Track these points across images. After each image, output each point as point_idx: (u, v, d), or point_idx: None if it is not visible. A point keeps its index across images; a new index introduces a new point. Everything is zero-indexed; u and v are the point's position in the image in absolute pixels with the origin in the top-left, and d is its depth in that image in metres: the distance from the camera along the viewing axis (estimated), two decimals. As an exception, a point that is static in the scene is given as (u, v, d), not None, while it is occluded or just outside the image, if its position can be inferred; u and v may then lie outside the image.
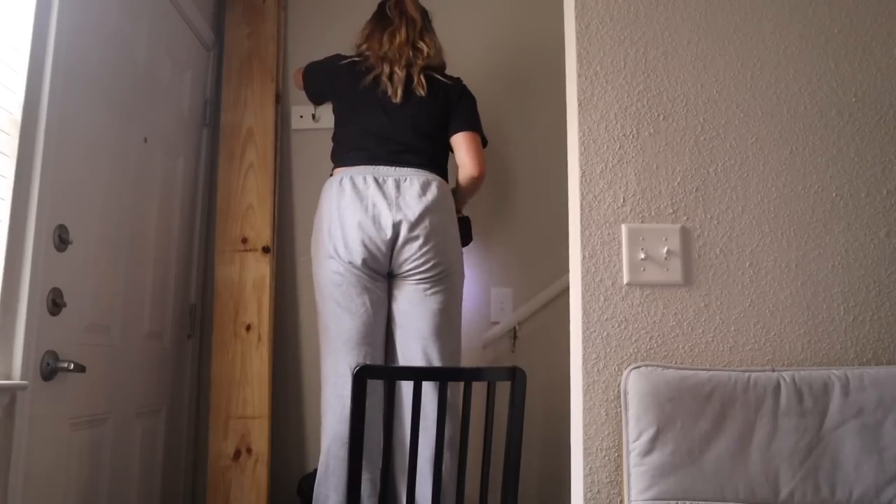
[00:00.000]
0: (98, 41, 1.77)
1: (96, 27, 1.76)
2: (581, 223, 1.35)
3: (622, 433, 1.25)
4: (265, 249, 2.44)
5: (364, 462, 1.71)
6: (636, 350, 1.32)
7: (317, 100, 2.37)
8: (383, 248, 1.99)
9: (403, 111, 2.10)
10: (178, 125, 2.35)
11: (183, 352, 2.40)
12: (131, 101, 1.98)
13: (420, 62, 2.15)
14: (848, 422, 1.21)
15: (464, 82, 2.25)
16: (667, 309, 1.33)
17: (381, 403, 1.92)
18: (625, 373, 1.27)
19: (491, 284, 2.58)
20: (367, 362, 1.99)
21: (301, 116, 2.63)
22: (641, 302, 1.33)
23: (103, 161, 1.81)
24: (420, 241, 1.98)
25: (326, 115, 2.33)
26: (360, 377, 1.51)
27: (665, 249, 1.34)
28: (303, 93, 2.38)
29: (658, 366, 1.26)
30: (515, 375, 1.62)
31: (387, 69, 2.13)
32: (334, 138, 2.20)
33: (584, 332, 1.32)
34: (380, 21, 2.24)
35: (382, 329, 2.07)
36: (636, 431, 1.22)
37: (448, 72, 2.27)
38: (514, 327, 2.50)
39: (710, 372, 1.25)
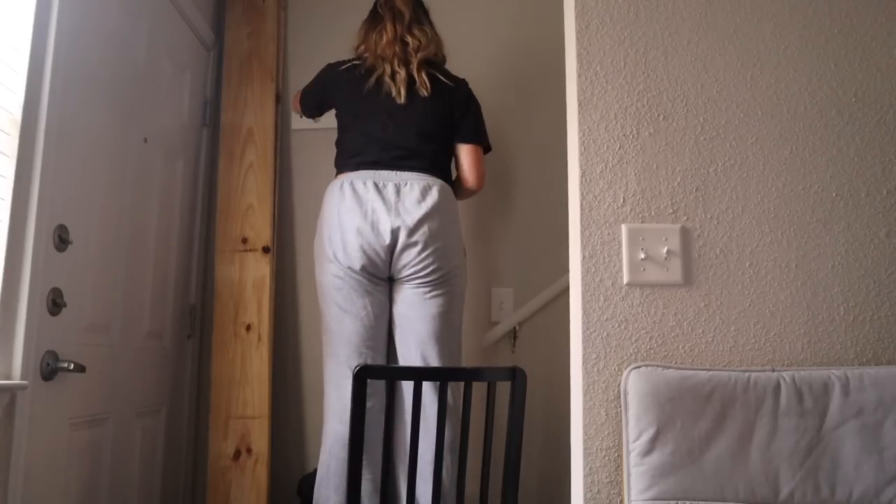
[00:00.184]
0: (98, 41, 1.77)
1: (96, 27, 1.76)
2: (581, 223, 1.35)
3: (622, 433, 1.25)
4: (265, 249, 2.44)
5: (365, 462, 1.71)
6: (636, 350, 1.32)
7: (319, 111, 2.33)
8: (382, 253, 1.98)
9: (407, 113, 2.08)
10: (178, 125, 2.35)
11: (183, 352, 2.40)
12: (131, 101, 1.98)
13: (414, 58, 2.11)
14: (848, 422, 1.21)
15: (469, 85, 2.22)
16: (667, 309, 1.33)
17: (381, 404, 1.92)
18: (625, 373, 1.27)
19: (491, 284, 2.58)
20: (366, 363, 1.99)
21: (301, 116, 2.63)
22: (641, 302, 1.33)
23: (103, 161, 1.81)
24: (419, 247, 1.97)
25: (327, 115, 2.33)
26: (361, 377, 1.51)
27: (665, 249, 1.34)
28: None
29: (658, 366, 1.26)
30: (515, 375, 1.62)
31: (388, 69, 2.10)
32: (337, 144, 2.18)
33: (584, 332, 1.32)
34: (372, 20, 2.22)
35: (385, 332, 2.07)
36: (636, 431, 1.22)
37: (452, 72, 2.26)
38: (514, 327, 2.50)
39: (710, 372, 1.25)
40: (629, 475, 1.22)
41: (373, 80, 2.10)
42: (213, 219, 2.50)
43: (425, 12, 2.25)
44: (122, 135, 1.92)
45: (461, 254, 2.11)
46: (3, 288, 1.40)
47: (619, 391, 1.29)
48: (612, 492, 1.28)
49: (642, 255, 1.33)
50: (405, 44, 2.13)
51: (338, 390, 2.00)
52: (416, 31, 2.15)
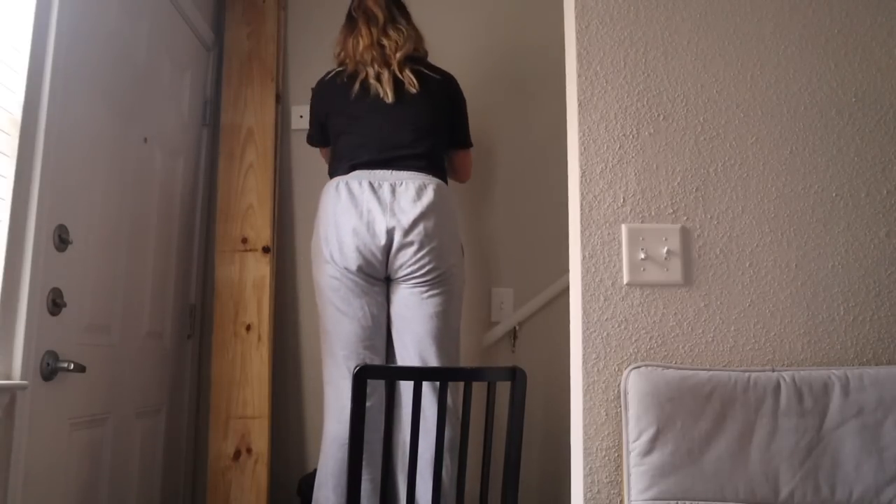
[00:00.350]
0: (98, 41, 1.78)
1: (96, 27, 1.76)
2: (581, 223, 1.35)
3: (622, 433, 1.25)
4: (265, 249, 2.44)
5: (364, 462, 1.71)
6: (636, 350, 1.32)
7: (325, 134, 2.23)
8: (378, 254, 1.98)
9: (400, 111, 2.07)
10: (178, 125, 2.35)
11: (183, 352, 2.40)
12: (131, 101, 1.98)
13: (394, 59, 2.09)
14: (848, 422, 1.21)
15: (455, 80, 2.21)
16: (667, 309, 1.33)
17: (380, 405, 1.92)
18: (625, 373, 1.27)
19: (491, 284, 2.58)
20: (365, 364, 1.99)
21: (301, 116, 2.63)
22: (641, 302, 1.33)
23: (103, 161, 1.81)
24: (415, 247, 1.96)
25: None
26: (360, 377, 1.51)
27: (665, 249, 1.34)
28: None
29: (658, 366, 1.26)
30: (515, 375, 1.62)
31: (370, 72, 2.09)
32: (332, 150, 2.17)
33: (584, 332, 1.32)
34: (348, 25, 2.21)
35: (383, 333, 2.07)
36: (636, 431, 1.22)
37: (452, 72, 2.26)
38: (514, 327, 2.50)
39: (710, 372, 1.25)
40: (629, 475, 1.22)
41: (357, 85, 2.09)
42: (213, 219, 2.50)
43: (401, 9, 2.22)
44: (122, 135, 1.92)
45: (458, 253, 2.11)
46: (3, 288, 1.40)
47: (619, 391, 1.29)
48: (612, 492, 1.28)
49: (642, 255, 1.33)
50: (382, 46, 2.11)
51: (336, 391, 2.00)
52: (392, 32, 2.13)
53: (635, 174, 1.37)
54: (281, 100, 2.62)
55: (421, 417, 1.57)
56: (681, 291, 1.34)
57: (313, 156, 2.48)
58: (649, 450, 1.20)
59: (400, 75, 2.08)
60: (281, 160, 2.60)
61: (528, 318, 2.51)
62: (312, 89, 2.24)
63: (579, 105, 1.39)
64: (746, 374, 1.25)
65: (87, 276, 1.72)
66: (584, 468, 1.28)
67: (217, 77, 2.63)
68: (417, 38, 2.19)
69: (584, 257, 1.34)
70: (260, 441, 2.31)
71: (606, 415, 1.30)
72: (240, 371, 2.35)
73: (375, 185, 2.00)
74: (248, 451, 2.30)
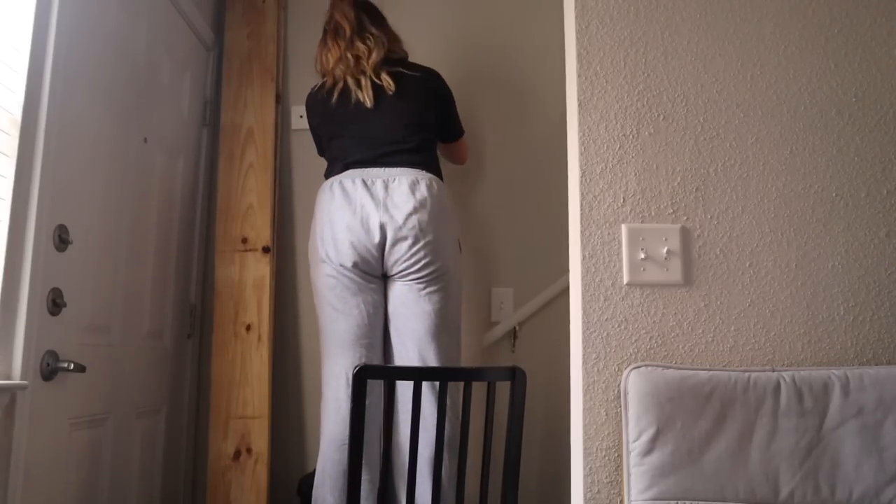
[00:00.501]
0: (98, 41, 1.78)
1: (96, 27, 1.76)
2: (581, 223, 1.35)
3: (622, 433, 1.25)
4: (265, 249, 2.44)
5: (363, 462, 1.71)
6: (636, 350, 1.32)
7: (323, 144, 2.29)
8: (373, 250, 1.99)
9: (385, 111, 2.09)
10: (178, 125, 2.35)
11: (183, 352, 2.40)
12: (131, 101, 1.98)
13: (368, 66, 2.11)
14: (848, 422, 1.21)
15: (438, 74, 2.22)
16: (667, 309, 1.33)
17: (378, 404, 1.92)
18: (625, 373, 1.27)
19: (491, 284, 2.58)
20: (363, 363, 1.99)
21: (301, 116, 2.62)
22: (641, 302, 1.33)
23: (103, 161, 1.81)
24: (409, 242, 1.97)
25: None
26: (360, 377, 1.51)
27: (665, 249, 1.34)
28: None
29: (658, 366, 1.26)
30: (515, 375, 1.62)
31: (349, 81, 2.12)
32: (326, 155, 2.20)
33: (584, 332, 1.32)
34: (322, 39, 2.24)
35: (380, 331, 2.07)
36: (636, 431, 1.22)
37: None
38: (514, 327, 2.50)
39: (710, 372, 1.25)
40: (629, 475, 1.22)
41: (336, 94, 2.12)
42: (213, 219, 2.50)
43: (372, 15, 2.24)
44: (122, 134, 1.92)
45: (455, 248, 2.11)
46: (3, 288, 1.40)
47: (619, 391, 1.29)
48: (612, 492, 1.28)
49: (642, 255, 1.33)
50: (356, 56, 2.13)
51: (333, 391, 2.00)
52: (360, 43, 2.14)
53: (635, 174, 1.37)
54: (281, 100, 2.62)
55: (420, 417, 1.57)
56: (681, 291, 1.34)
57: (313, 156, 2.48)
58: (649, 450, 1.20)
59: (378, 80, 2.10)
60: (281, 160, 2.60)
61: (528, 318, 2.50)
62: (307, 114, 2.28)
63: (579, 105, 1.39)
64: (746, 374, 1.25)
65: (87, 276, 1.72)
66: (584, 468, 1.28)
67: (217, 77, 2.63)
68: (391, 40, 2.21)
69: (584, 257, 1.34)
70: (260, 441, 2.31)
71: (606, 415, 1.30)
72: (240, 371, 2.35)
73: (368, 182, 2.02)
74: (248, 451, 2.30)
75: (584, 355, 1.31)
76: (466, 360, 2.41)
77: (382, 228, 1.97)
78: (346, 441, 1.91)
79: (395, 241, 1.97)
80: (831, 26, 1.41)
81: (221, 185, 2.50)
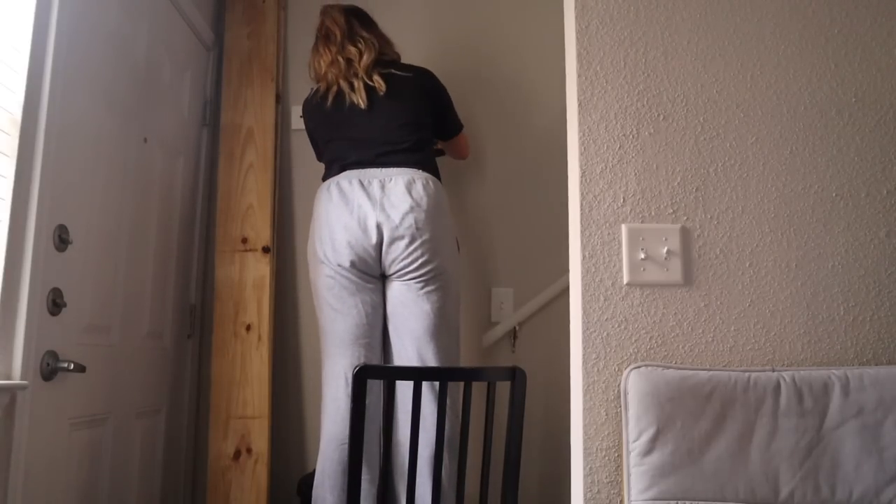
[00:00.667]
0: (98, 41, 1.77)
1: (96, 27, 1.76)
2: (581, 223, 1.35)
3: (622, 433, 1.25)
4: (265, 249, 2.44)
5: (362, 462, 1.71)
6: (636, 350, 1.32)
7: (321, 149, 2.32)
8: (371, 250, 2.00)
9: (379, 112, 2.10)
10: (178, 125, 2.35)
11: (183, 352, 2.40)
12: (131, 101, 1.98)
13: (360, 69, 2.13)
14: (848, 422, 1.21)
15: (430, 73, 2.22)
16: (667, 309, 1.33)
17: (377, 404, 1.93)
18: (625, 373, 1.27)
19: (491, 284, 2.58)
20: (362, 363, 1.99)
21: (301, 116, 2.63)
22: (641, 302, 1.33)
23: (103, 161, 1.81)
24: (406, 241, 1.98)
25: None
26: (360, 377, 1.51)
27: (665, 249, 1.34)
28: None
29: (658, 366, 1.26)
30: (515, 375, 1.62)
31: (342, 84, 2.13)
32: (323, 159, 2.21)
33: (584, 332, 1.32)
34: (314, 45, 2.26)
35: (379, 330, 2.07)
36: (636, 431, 1.22)
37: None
38: (514, 327, 2.50)
39: (710, 372, 1.25)
40: (629, 475, 1.22)
41: (331, 98, 2.14)
42: (213, 219, 2.50)
43: (362, 19, 2.26)
44: (122, 135, 1.92)
45: (453, 247, 2.11)
46: (3, 288, 1.40)
47: (619, 391, 1.29)
48: (612, 492, 1.28)
49: (642, 255, 1.33)
50: (348, 60, 2.16)
51: (333, 390, 2.01)
52: (351, 47, 2.17)
53: (635, 174, 1.37)
54: (281, 100, 2.62)
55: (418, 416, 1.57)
56: (681, 291, 1.34)
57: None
58: (649, 450, 1.20)
59: (370, 82, 2.12)
60: (281, 160, 2.60)
61: (528, 318, 2.50)
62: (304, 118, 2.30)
63: (579, 105, 1.39)
64: (746, 374, 1.25)
65: (87, 276, 1.72)
66: (584, 468, 1.28)
67: (217, 77, 2.63)
68: (382, 43, 2.23)
69: (584, 257, 1.34)
70: (260, 441, 2.31)
71: (606, 415, 1.30)
72: (240, 371, 2.35)
73: (365, 182, 2.03)
74: (248, 451, 2.30)
75: (584, 355, 1.31)
76: (466, 361, 2.41)
77: (379, 228, 1.98)
78: (346, 440, 1.91)
79: (392, 241, 1.98)
80: (831, 26, 1.41)
81: (221, 185, 2.50)
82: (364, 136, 2.09)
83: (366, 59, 2.14)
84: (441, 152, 2.46)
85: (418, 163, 2.07)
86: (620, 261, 1.34)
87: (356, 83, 2.12)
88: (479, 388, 1.69)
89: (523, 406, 1.63)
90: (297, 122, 2.63)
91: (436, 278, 2.01)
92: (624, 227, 1.35)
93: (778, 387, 1.23)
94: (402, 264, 1.99)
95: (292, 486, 2.29)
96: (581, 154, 1.37)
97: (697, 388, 1.22)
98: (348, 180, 2.04)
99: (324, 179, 2.15)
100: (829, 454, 1.20)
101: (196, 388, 2.47)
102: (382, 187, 2.01)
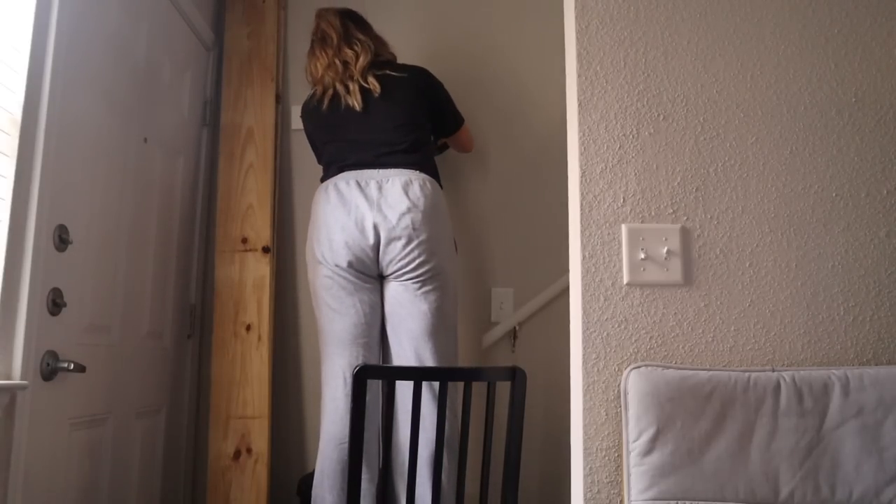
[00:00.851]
0: (98, 41, 1.77)
1: (96, 27, 1.76)
2: (581, 223, 1.35)
3: (622, 433, 1.25)
4: (265, 249, 2.44)
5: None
6: (636, 350, 1.32)
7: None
8: (368, 250, 2.00)
9: (375, 113, 2.11)
10: (178, 125, 2.35)
11: (183, 352, 2.40)
12: (131, 101, 1.98)
13: (356, 71, 2.14)
14: (848, 422, 1.21)
15: (426, 71, 2.23)
16: (667, 309, 1.33)
17: (374, 404, 1.93)
18: (625, 373, 1.27)
19: (491, 284, 2.58)
20: (360, 363, 1.99)
21: (301, 116, 2.63)
22: (641, 302, 1.33)
23: (103, 161, 1.81)
24: (403, 241, 1.98)
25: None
26: (360, 377, 1.51)
27: (665, 249, 1.34)
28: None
29: (658, 366, 1.26)
30: (515, 375, 1.62)
31: (338, 87, 2.15)
32: (322, 161, 2.22)
33: (584, 332, 1.32)
34: (310, 49, 2.28)
35: (377, 330, 2.08)
36: (636, 431, 1.22)
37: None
38: (514, 327, 2.50)
39: (710, 372, 1.25)
40: (629, 475, 1.22)
41: (327, 101, 2.15)
42: (213, 219, 2.50)
43: (357, 22, 2.27)
44: (122, 135, 1.92)
45: (450, 248, 2.12)
46: (3, 288, 1.40)
47: (619, 391, 1.29)
48: (612, 492, 1.28)
49: (642, 255, 1.33)
50: (344, 63, 2.17)
51: (332, 390, 2.01)
52: (347, 50, 2.18)
53: (635, 174, 1.37)
54: (281, 100, 2.62)
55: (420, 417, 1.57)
56: (681, 291, 1.34)
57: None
58: (649, 450, 1.20)
59: (365, 84, 2.13)
60: (281, 160, 2.61)
61: (528, 319, 2.51)
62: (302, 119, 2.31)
63: (579, 105, 1.39)
64: (746, 374, 1.25)
65: (87, 276, 1.72)
66: (584, 468, 1.28)
67: (217, 77, 2.63)
68: (378, 44, 2.25)
69: (584, 257, 1.34)
70: (260, 441, 2.31)
71: (606, 415, 1.30)
72: (240, 371, 2.35)
73: (362, 183, 2.04)
74: (248, 451, 2.30)
75: (584, 355, 1.31)
76: (466, 361, 2.42)
77: (376, 229, 1.99)
78: (344, 440, 1.92)
79: (389, 241, 1.98)
80: (831, 26, 1.41)
81: (221, 185, 2.50)
82: (361, 137, 2.10)
83: (362, 61, 2.16)
84: (446, 147, 2.47)
85: (415, 164, 2.07)
86: (620, 261, 1.34)
87: (351, 86, 2.13)
88: (479, 389, 1.69)
89: (523, 406, 1.63)
90: (297, 122, 2.63)
91: (433, 278, 2.02)
92: (624, 227, 1.35)
93: (778, 387, 1.23)
94: (399, 265, 2.00)
95: (292, 486, 2.29)
96: (581, 154, 1.37)
97: (697, 388, 1.22)
98: (346, 181, 2.05)
99: (322, 181, 2.16)
100: (829, 454, 1.20)
101: (196, 388, 2.47)
102: (379, 188, 2.02)
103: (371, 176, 2.05)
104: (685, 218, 1.36)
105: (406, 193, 2.01)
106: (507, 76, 2.67)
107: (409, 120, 2.12)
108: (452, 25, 2.70)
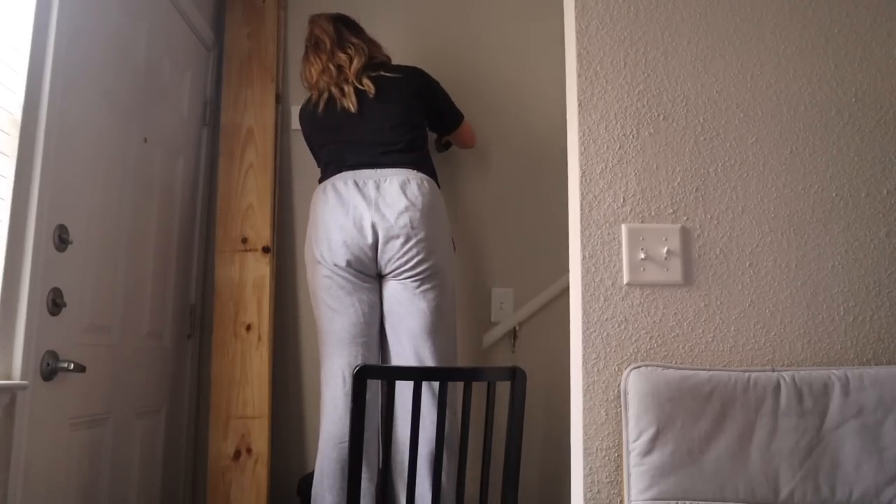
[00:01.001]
0: (98, 41, 1.77)
1: (96, 27, 1.76)
2: (581, 223, 1.35)
3: (622, 433, 1.25)
4: (265, 249, 2.44)
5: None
6: (636, 350, 1.32)
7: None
8: (367, 250, 2.01)
9: (371, 114, 2.12)
10: (178, 125, 2.35)
11: (183, 352, 2.40)
12: (131, 101, 1.98)
13: (350, 74, 2.15)
14: (848, 422, 1.21)
15: (421, 71, 2.24)
16: (667, 309, 1.33)
17: (373, 403, 1.93)
18: (625, 373, 1.27)
19: (491, 284, 2.58)
20: (360, 362, 2.00)
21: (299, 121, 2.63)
22: (641, 302, 1.33)
23: (103, 161, 1.81)
24: (401, 240, 1.99)
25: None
26: (360, 377, 1.51)
27: (665, 249, 1.34)
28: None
29: (658, 366, 1.26)
30: (515, 375, 1.62)
31: (334, 91, 2.16)
32: (319, 162, 2.23)
33: (584, 332, 1.32)
34: (304, 55, 2.29)
35: (376, 330, 2.08)
36: (636, 431, 1.22)
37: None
38: (514, 327, 2.50)
39: (710, 372, 1.25)
40: (629, 475, 1.22)
41: (322, 105, 2.16)
42: (213, 219, 2.50)
43: (350, 26, 2.28)
44: (122, 135, 1.92)
45: (449, 246, 2.12)
46: (3, 288, 1.40)
47: (619, 391, 1.29)
48: (612, 492, 1.28)
49: (642, 255, 1.33)
50: (338, 66, 2.18)
51: (331, 390, 2.01)
52: (341, 54, 2.20)
53: (635, 174, 1.37)
54: (281, 100, 2.62)
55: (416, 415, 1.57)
56: (681, 291, 1.34)
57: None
58: (649, 450, 1.20)
59: (360, 86, 2.14)
60: (281, 160, 2.60)
61: (528, 319, 2.51)
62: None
63: (579, 105, 1.39)
64: (746, 374, 1.25)
65: (87, 276, 1.72)
66: (584, 468, 1.28)
67: (217, 77, 2.63)
68: (372, 47, 2.26)
69: (584, 257, 1.34)
70: (260, 441, 2.31)
71: (606, 415, 1.30)
72: (240, 371, 2.35)
73: (360, 183, 2.05)
74: (248, 451, 2.30)
75: (584, 355, 1.31)
76: (466, 361, 2.42)
77: (374, 228, 1.99)
78: (344, 439, 1.92)
79: (388, 240, 1.99)
80: (831, 26, 1.41)
81: (221, 185, 2.50)
82: (357, 138, 2.11)
83: (356, 63, 2.17)
84: (450, 144, 2.47)
85: (413, 163, 2.08)
86: (620, 261, 1.34)
87: (346, 88, 2.14)
88: (479, 388, 1.69)
89: (523, 406, 1.63)
90: (297, 122, 2.63)
91: (431, 277, 2.02)
92: (624, 227, 1.35)
93: (778, 387, 1.23)
94: (397, 263, 2.00)
95: (292, 486, 2.29)
96: (581, 154, 1.37)
97: (697, 388, 1.22)
98: (343, 181, 2.06)
99: (320, 181, 2.17)
100: (829, 454, 1.20)
101: (196, 387, 2.47)
102: (377, 187, 2.03)
103: (369, 176, 2.05)
104: (685, 218, 1.36)
105: (404, 192, 2.01)
106: (507, 76, 2.67)
107: (404, 120, 2.13)
108: (451, 25, 2.70)
